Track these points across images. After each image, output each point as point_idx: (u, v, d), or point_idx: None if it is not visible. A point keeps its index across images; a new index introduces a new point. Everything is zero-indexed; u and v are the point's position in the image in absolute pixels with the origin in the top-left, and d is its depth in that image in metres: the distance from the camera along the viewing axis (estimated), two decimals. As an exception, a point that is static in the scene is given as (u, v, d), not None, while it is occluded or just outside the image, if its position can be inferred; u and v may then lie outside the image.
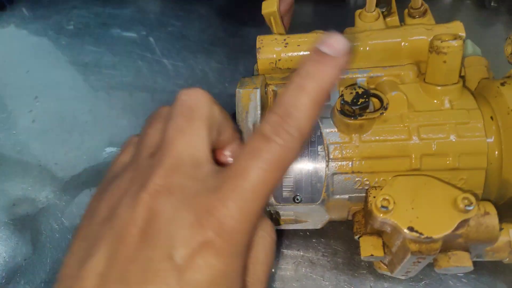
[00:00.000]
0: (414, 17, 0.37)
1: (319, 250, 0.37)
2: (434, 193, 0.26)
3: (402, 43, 0.33)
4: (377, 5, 0.37)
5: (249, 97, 0.32)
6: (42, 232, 0.41)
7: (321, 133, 0.31)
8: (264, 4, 0.34)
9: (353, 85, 0.32)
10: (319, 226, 0.34)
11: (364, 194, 0.30)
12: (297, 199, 0.31)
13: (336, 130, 0.31)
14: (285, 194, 0.31)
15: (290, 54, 0.35)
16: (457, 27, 0.33)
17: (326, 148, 0.31)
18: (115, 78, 0.56)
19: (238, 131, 0.28)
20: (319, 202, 0.30)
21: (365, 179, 0.30)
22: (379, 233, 0.30)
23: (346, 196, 0.31)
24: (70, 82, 0.56)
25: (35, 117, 0.51)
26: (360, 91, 0.30)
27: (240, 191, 0.20)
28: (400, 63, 0.34)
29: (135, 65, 0.57)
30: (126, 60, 0.58)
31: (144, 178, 0.21)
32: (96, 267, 0.19)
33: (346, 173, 0.30)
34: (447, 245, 0.28)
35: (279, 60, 0.35)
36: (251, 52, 0.35)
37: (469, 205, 0.24)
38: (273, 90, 0.36)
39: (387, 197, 0.26)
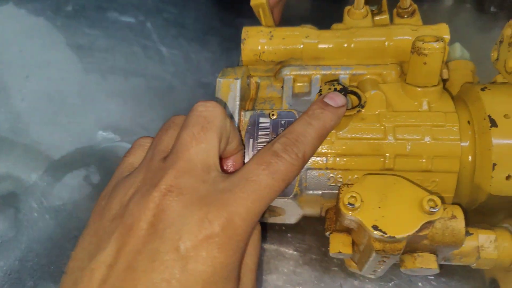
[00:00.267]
0: (402, 17, 0.36)
1: (293, 245, 0.37)
2: (402, 194, 0.26)
3: (386, 42, 0.33)
4: (368, 4, 0.36)
5: (229, 87, 0.32)
6: (21, 211, 0.41)
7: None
8: (253, -5, 0.34)
9: (333, 81, 0.32)
10: (293, 221, 0.34)
11: (337, 191, 0.30)
12: None
13: (313, 125, 0.31)
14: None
15: (274, 47, 0.35)
16: (443, 29, 0.32)
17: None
18: (108, 62, 0.55)
19: (243, 144, 0.30)
20: (291, 196, 0.30)
21: (339, 176, 0.30)
22: (348, 230, 0.30)
23: (319, 192, 0.31)
24: (63, 64, 0.55)
25: (24, 96, 0.51)
26: (338, 87, 0.30)
27: (250, 193, 0.23)
28: (384, 62, 0.33)
29: (129, 50, 0.56)
30: (120, 45, 0.57)
31: (156, 179, 0.22)
32: (106, 259, 0.21)
33: (320, 169, 0.30)
34: (413, 246, 0.28)
35: (263, 52, 0.35)
36: (245, 43, 0.35)
37: (434, 207, 0.24)
38: (256, 82, 0.36)
39: (354, 195, 0.26)
